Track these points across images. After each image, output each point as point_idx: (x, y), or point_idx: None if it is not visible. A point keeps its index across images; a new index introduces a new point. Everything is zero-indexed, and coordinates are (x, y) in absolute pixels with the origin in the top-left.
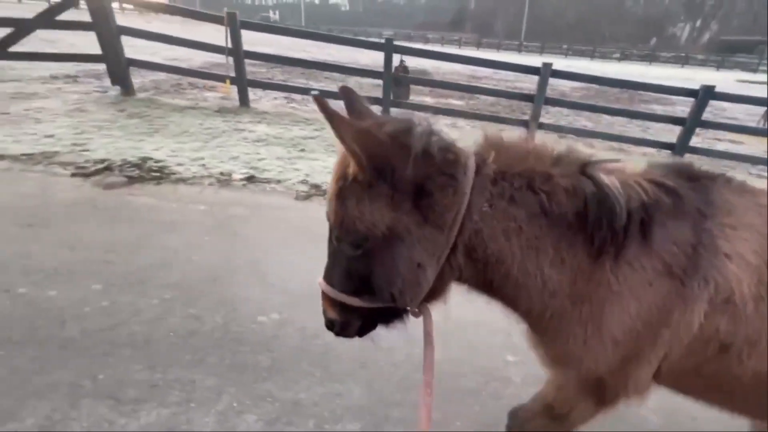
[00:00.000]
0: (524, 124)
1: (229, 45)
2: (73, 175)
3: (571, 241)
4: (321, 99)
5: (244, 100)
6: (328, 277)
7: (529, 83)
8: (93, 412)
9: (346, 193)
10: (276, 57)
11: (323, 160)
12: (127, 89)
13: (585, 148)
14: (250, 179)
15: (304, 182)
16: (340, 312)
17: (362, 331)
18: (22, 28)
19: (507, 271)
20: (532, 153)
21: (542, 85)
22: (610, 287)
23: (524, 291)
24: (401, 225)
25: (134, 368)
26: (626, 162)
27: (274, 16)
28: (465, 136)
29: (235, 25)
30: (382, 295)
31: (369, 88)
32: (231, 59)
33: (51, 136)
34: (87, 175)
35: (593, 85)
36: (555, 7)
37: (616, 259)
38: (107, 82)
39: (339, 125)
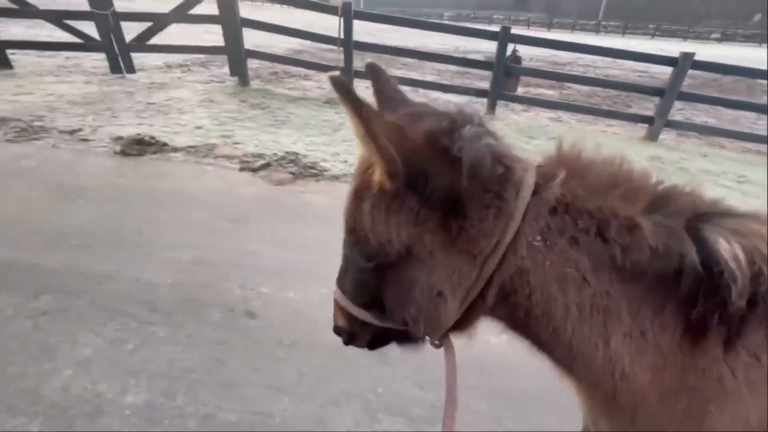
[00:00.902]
0: (645, 120)
1: (342, 36)
2: (242, 169)
3: (658, 308)
4: (343, 81)
5: None
6: (341, 282)
7: (618, 70)
8: (392, 428)
9: (365, 195)
10: (383, 47)
11: None
12: (244, 79)
13: (707, 189)
14: None
15: None
16: (349, 322)
17: (373, 345)
18: (159, 22)
19: (557, 331)
20: (623, 184)
21: (678, 77)
22: (722, 383)
23: (582, 362)
24: (423, 245)
25: (404, 384)
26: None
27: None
28: (569, 134)
29: (349, 16)
30: (393, 317)
31: (449, 75)
32: (342, 50)
33: (200, 127)
34: (254, 170)
35: (698, 72)
36: None
37: (731, 345)
38: (215, 70)
39: (370, 120)
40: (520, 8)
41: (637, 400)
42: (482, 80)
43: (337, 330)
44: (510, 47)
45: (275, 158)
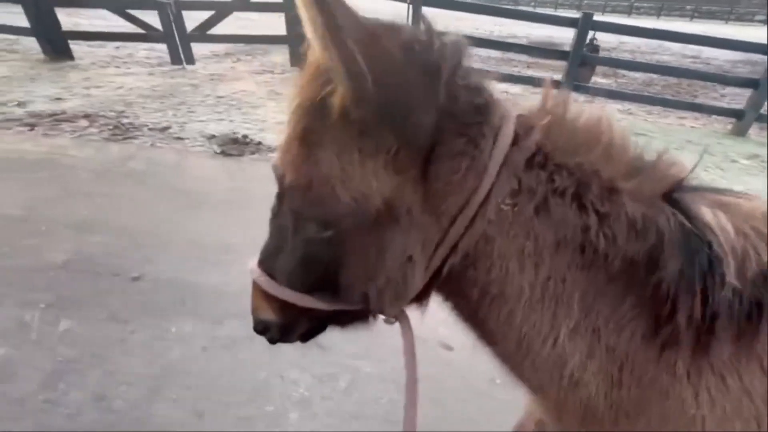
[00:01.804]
0: (734, 113)
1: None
2: None
3: (616, 305)
4: None
5: None
6: (268, 262)
7: (667, 56)
8: None
9: (322, 137)
10: None
11: None
12: None
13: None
14: None
15: None
16: (280, 312)
17: (309, 336)
18: (222, 11)
19: (509, 317)
20: (605, 145)
21: None
22: (683, 404)
23: (530, 360)
24: (403, 199)
25: None
26: (746, 195)
27: None
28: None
29: (418, 2)
30: (349, 295)
31: (494, 63)
32: None
33: (281, 123)
34: None
35: (755, 56)
36: None
37: (696, 360)
38: (261, 59)
39: (335, 11)
40: None
41: (586, 413)
42: (528, 68)
43: (262, 326)
44: (568, 33)
45: None
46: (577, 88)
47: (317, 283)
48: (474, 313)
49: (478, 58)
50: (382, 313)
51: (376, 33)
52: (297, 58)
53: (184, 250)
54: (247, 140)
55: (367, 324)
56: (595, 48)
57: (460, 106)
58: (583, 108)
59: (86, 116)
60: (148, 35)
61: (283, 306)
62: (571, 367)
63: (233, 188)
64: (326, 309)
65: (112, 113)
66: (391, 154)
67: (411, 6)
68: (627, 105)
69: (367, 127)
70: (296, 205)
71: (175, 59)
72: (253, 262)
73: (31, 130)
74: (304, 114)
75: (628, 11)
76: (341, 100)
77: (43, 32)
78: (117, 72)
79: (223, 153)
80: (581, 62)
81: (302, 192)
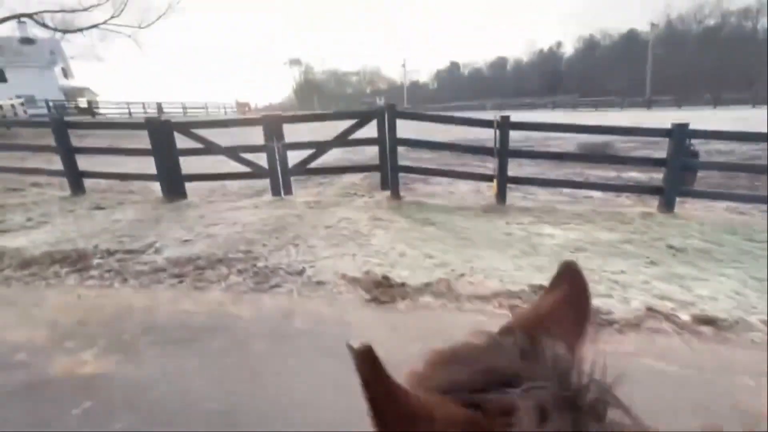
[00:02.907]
0: None
1: (498, 145)
2: None
3: None
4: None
5: (502, 198)
6: None
7: (721, 145)
8: None
9: None
10: (538, 153)
11: (705, 276)
12: (397, 195)
13: None
14: (708, 323)
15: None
16: None
17: None
18: (321, 148)
19: None
20: None
21: None
22: None
23: None
24: None
25: None
26: None
27: (380, 102)
28: None
29: (505, 128)
30: None
31: (549, 166)
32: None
33: (403, 254)
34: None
35: None
36: (686, 56)
37: None
38: (336, 181)
39: None
40: (551, 92)
41: None
42: (588, 169)
43: None
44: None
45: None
46: (686, 194)
47: None
48: None
49: (531, 164)
50: None
51: None
52: (386, 182)
53: None
54: (390, 282)
55: None
56: (695, 154)
57: None
58: None
59: (220, 261)
60: (255, 173)
61: None
62: None
63: (415, 351)
64: None
65: (240, 254)
66: None
67: (498, 131)
68: (733, 204)
69: None
70: None
71: (275, 191)
72: None
73: (181, 282)
74: None
75: (648, 105)
76: None
77: (167, 177)
78: (226, 207)
79: (375, 300)
80: (684, 168)
81: None
